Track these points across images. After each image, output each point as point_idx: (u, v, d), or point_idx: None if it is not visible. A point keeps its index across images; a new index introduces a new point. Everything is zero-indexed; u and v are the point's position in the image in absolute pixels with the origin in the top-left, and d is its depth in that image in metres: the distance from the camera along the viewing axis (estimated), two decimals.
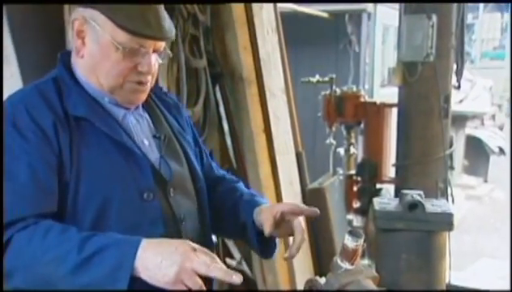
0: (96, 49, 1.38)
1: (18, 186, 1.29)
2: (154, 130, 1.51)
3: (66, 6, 2.55)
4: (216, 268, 1.19)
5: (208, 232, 1.58)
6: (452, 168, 2.73)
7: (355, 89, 3.21)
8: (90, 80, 1.42)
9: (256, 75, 3.08)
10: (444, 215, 1.40)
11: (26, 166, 1.30)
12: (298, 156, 3.35)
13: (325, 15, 7.12)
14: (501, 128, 11.11)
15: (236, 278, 1.18)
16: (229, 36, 2.97)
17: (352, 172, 3.11)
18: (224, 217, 1.60)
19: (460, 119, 8.77)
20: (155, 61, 1.42)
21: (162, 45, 1.43)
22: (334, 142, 3.22)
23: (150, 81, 1.44)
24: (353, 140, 3.26)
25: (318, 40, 6.68)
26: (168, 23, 1.41)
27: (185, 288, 1.20)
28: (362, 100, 3.11)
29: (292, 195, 3.21)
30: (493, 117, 11.48)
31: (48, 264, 1.23)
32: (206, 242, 1.51)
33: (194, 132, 1.67)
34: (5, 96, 1.48)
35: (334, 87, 3.14)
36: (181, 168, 1.52)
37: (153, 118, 1.54)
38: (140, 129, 1.48)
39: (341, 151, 3.29)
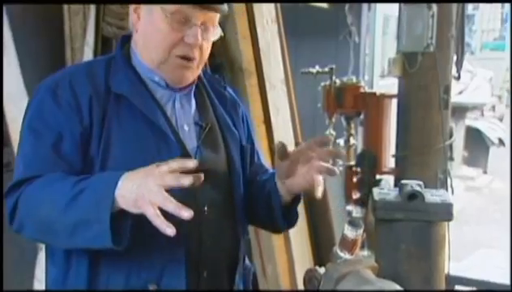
0: (147, 20, 1.42)
1: (40, 147, 1.34)
2: (198, 117, 1.51)
3: None
4: (169, 177, 1.17)
5: (237, 227, 1.55)
6: (452, 159, 2.73)
7: (355, 80, 3.19)
8: (144, 57, 1.46)
9: (256, 65, 3.07)
10: (444, 205, 1.40)
11: (52, 132, 1.34)
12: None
13: (325, 5, 7.09)
14: (500, 119, 11.09)
15: (185, 212, 1.15)
16: (228, 25, 2.96)
17: (352, 163, 3.10)
18: (254, 194, 1.57)
19: (460, 110, 8.76)
20: (203, 36, 1.41)
21: (211, 20, 1.43)
22: (333, 133, 3.21)
23: (197, 59, 1.44)
24: (353, 131, 3.24)
25: (318, 31, 6.64)
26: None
27: (156, 211, 1.16)
28: (362, 91, 3.09)
29: None
30: (493, 108, 11.48)
31: (46, 207, 1.25)
32: (233, 237, 1.52)
33: (249, 131, 1.66)
34: (4, 85, 1.47)
35: (333, 77, 3.12)
36: (217, 158, 1.50)
37: (200, 106, 1.54)
38: (183, 114, 1.49)
39: (341, 142, 3.28)
